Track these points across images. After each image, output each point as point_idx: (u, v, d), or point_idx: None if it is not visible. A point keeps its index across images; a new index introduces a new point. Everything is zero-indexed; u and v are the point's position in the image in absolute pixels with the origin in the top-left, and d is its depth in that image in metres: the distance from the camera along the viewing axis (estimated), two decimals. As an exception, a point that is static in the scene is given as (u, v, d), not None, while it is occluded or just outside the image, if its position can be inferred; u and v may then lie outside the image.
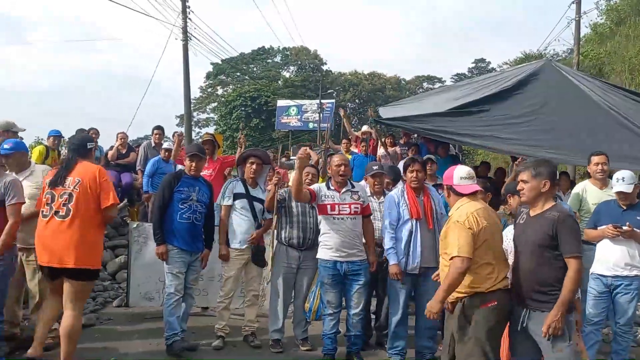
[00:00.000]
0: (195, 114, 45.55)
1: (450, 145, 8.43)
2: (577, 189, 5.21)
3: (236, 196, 5.05)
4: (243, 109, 41.88)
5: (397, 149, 8.78)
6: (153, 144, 8.43)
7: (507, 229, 3.84)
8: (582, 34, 18.02)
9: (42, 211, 3.93)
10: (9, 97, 75.94)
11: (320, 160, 7.17)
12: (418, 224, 4.54)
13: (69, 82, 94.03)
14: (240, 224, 5.02)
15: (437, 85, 48.57)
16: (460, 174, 3.44)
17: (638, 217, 4.30)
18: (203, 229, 4.91)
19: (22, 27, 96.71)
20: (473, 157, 23.22)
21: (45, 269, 3.97)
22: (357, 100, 50.35)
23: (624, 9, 19.22)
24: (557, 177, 4.19)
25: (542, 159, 3.52)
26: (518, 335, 3.29)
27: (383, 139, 8.74)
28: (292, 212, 4.95)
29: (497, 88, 6.66)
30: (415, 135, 8.89)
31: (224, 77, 50.31)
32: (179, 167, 6.79)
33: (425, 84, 53.12)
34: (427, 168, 5.68)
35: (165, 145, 7.87)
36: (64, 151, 8.24)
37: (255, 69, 51.81)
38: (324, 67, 51.48)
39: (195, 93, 46.13)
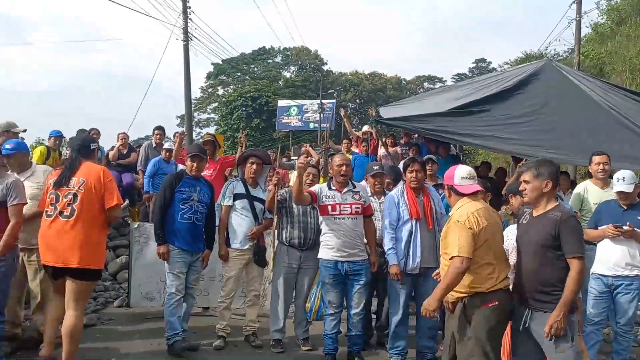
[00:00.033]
0: (196, 114, 45.56)
1: (451, 145, 8.42)
2: (579, 189, 5.21)
3: (237, 196, 5.06)
4: (244, 109, 41.90)
5: (398, 149, 8.77)
6: (154, 145, 8.43)
7: (508, 229, 3.85)
8: (582, 34, 18.02)
9: (46, 211, 3.95)
10: (9, 97, 76.02)
11: (321, 160, 7.17)
12: (418, 224, 4.55)
13: (69, 82, 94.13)
14: (241, 224, 5.02)
15: (438, 85, 48.56)
16: (461, 174, 3.44)
17: (638, 217, 4.30)
18: (204, 229, 4.92)
19: (22, 27, 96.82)
20: (474, 157, 23.22)
21: (48, 269, 3.99)
22: (357, 100, 50.36)
23: (624, 9, 19.21)
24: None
25: (545, 159, 3.52)
26: (520, 336, 3.29)
27: (384, 139, 8.74)
28: (293, 212, 4.95)
29: (498, 88, 6.66)
30: (416, 135, 8.88)
31: (225, 77, 50.34)
32: (180, 167, 6.80)
33: (426, 84, 53.11)
34: (428, 168, 5.69)
35: (166, 145, 7.87)
36: (65, 151, 8.25)
37: (256, 69, 51.84)
38: (325, 67, 51.52)
39: (196, 93, 46.22)
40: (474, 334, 3.23)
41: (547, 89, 6.61)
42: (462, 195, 3.41)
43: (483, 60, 51.15)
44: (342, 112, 10.72)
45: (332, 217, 4.58)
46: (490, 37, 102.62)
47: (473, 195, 3.41)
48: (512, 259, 3.52)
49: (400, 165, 5.62)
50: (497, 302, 3.22)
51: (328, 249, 4.59)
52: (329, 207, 4.59)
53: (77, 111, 75.45)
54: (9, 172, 4.37)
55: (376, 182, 5.10)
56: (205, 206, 4.88)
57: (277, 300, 4.98)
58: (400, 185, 4.87)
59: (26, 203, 4.17)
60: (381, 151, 8.59)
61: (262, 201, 5.10)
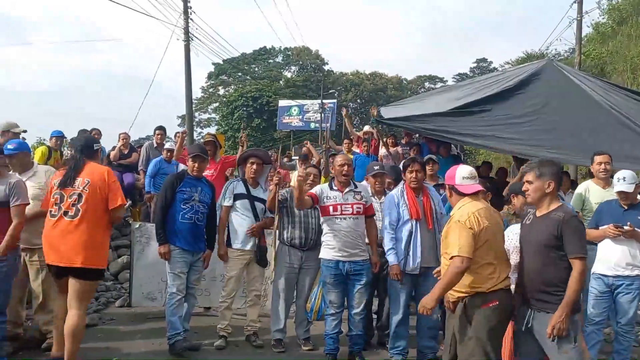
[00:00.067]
0: (196, 114, 45.59)
1: (452, 145, 8.42)
2: (580, 188, 5.21)
3: (237, 196, 5.06)
4: (245, 109, 41.92)
5: (399, 149, 8.78)
6: (155, 145, 8.44)
7: (509, 229, 3.85)
8: (583, 34, 18.00)
9: (51, 211, 3.96)
10: (9, 97, 76.14)
11: (322, 160, 7.18)
12: (418, 224, 4.55)
13: (69, 82, 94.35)
14: (242, 224, 5.03)
15: (439, 85, 48.58)
16: (462, 174, 3.44)
17: (639, 217, 4.30)
18: (205, 229, 4.93)
19: (22, 27, 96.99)
20: (475, 157, 23.22)
21: (52, 268, 4.00)
22: (358, 100, 50.36)
23: (625, 9, 19.18)
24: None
25: (548, 159, 3.52)
26: (522, 336, 3.29)
27: (385, 139, 8.74)
28: (294, 212, 4.95)
29: (499, 88, 6.65)
30: (417, 135, 8.88)
31: (226, 78, 50.38)
32: (181, 167, 6.81)
33: (427, 84, 53.13)
34: (429, 168, 5.70)
35: (167, 145, 7.88)
36: (66, 152, 8.26)
37: (256, 69, 51.86)
38: (326, 67, 51.54)
39: (196, 93, 46.23)
40: (474, 333, 3.23)
41: (548, 88, 6.61)
42: (464, 195, 3.41)
43: (484, 60, 51.19)
44: (343, 112, 10.72)
45: (334, 217, 4.59)
46: (490, 37, 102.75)
47: (474, 195, 3.41)
48: (513, 259, 3.52)
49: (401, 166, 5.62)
50: (497, 302, 3.23)
51: (329, 249, 4.60)
52: (330, 208, 4.60)
53: (77, 111, 75.69)
54: (10, 172, 4.39)
55: (376, 182, 5.11)
56: (206, 206, 4.88)
57: (278, 300, 4.99)
58: (400, 185, 4.87)
59: (29, 204, 4.18)
60: (382, 151, 8.59)
61: (262, 201, 5.10)
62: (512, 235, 3.67)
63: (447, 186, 3.56)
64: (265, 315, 5.36)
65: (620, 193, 4.39)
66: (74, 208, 3.88)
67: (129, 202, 8.41)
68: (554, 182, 3.25)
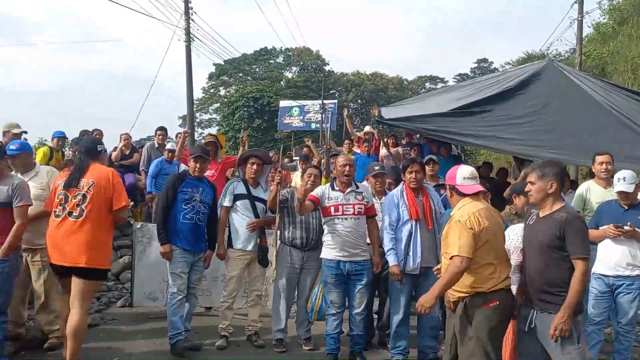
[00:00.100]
0: (197, 114, 45.58)
1: (453, 146, 8.43)
2: (581, 189, 5.21)
3: (238, 197, 5.07)
4: (245, 109, 41.93)
5: (400, 149, 8.78)
6: (156, 145, 8.45)
7: (510, 229, 3.85)
8: (584, 34, 17.98)
9: (55, 211, 3.98)
10: (9, 97, 76.21)
11: (323, 160, 7.18)
12: (417, 224, 4.56)
13: (69, 83, 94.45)
14: (243, 224, 5.03)
15: (440, 85, 48.56)
16: (463, 174, 3.45)
17: (639, 217, 4.30)
18: (206, 230, 4.93)
19: (22, 27, 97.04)
20: (475, 157, 23.20)
21: (55, 267, 4.01)
22: (359, 101, 50.35)
23: (626, 9, 19.17)
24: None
25: (550, 160, 3.53)
26: (524, 336, 3.30)
27: (385, 140, 8.74)
28: (295, 212, 4.96)
29: (500, 88, 6.66)
30: (418, 135, 8.89)
31: (227, 78, 50.40)
32: (182, 167, 6.82)
33: (427, 84, 53.11)
34: (430, 168, 5.71)
35: (168, 146, 7.89)
36: (67, 152, 8.28)
37: (257, 70, 51.89)
38: (326, 68, 51.54)
39: (197, 94, 46.17)
40: (475, 333, 3.24)
41: (549, 89, 6.62)
42: (464, 195, 3.42)
43: (485, 60, 51.18)
44: (344, 112, 10.73)
45: (335, 218, 4.59)
46: (491, 37, 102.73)
47: (475, 195, 3.42)
48: (514, 259, 3.52)
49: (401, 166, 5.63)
50: (498, 302, 3.23)
51: (330, 249, 4.61)
52: (332, 209, 4.61)
53: (77, 111, 75.80)
54: (12, 173, 4.40)
55: (377, 182, 5.12)
56: (207, 207, 4.89)
57: (280, 300, 5.00)
58: (399, 185, 4.88)
59: (31, 204, 4.20)
60: (383, 151, 8.59)
61: (263, 201, 5.11)
62: (513, 235, 3.67)
63: (447, 186, 3.57)
64: (267, 315, 5.37)
65: (620, 193, 4.40)
66: (78, 208, 3.91)
67: (131, 203, 8.42)
68: (557, 183, 3.26)
